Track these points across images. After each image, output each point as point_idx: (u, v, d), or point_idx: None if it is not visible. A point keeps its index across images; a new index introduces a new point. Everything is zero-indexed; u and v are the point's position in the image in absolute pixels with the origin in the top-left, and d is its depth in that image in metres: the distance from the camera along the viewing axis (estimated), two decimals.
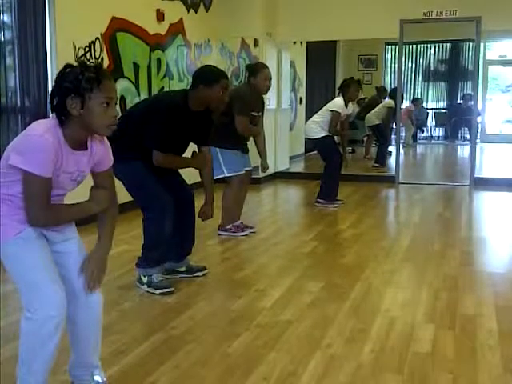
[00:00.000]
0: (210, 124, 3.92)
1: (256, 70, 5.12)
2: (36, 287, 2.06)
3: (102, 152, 2.20)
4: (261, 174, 8.12)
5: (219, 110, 3.90)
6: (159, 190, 3.67)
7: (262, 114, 5.39)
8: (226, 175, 5.12)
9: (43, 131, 1.99)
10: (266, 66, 5.24)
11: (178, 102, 3.72)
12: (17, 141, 2.05)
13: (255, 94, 5.15)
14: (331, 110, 6.57)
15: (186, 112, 3.71)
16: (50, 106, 2.10)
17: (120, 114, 6.16)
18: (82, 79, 1.99)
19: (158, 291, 3.68)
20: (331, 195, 6.75)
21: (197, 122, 3.77)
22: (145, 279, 3.73)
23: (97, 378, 2.36)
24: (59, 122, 2.03)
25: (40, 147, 1.97)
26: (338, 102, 6.63)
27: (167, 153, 3.65)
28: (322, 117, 6.66)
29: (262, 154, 5.50)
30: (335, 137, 6.90)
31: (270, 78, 5.20)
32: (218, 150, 5.00)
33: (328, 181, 6.78)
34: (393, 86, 11.20)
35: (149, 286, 3.71)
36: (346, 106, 6.70)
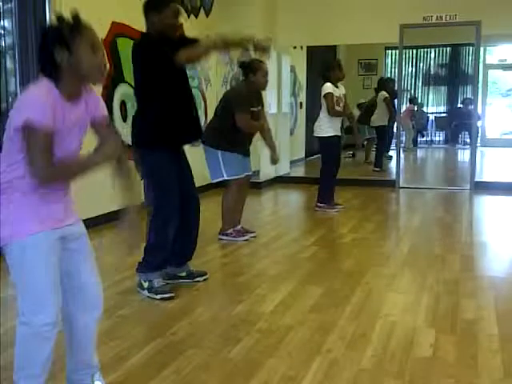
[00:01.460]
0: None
1: (255, 67, 5.13)
2: (35, 294, 2.06)
3: (93, 97, 2.18)
4: (261, 179, 8.15)
5: (176, 38, 3.76)
6: (172, 193, 3.68)
7: (262, 106, 5.39)
8: (226, 178, 5.13)
9: (38, 87, 2.00)
10: (262, 62, 5.23)
11: (144, 38, 3.71)
12: (15, 104, 2.04)
13: (254, 90, 5.17)
14: (323, 96, 6.55)
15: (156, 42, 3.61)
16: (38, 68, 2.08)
17: (120, 118, 6.19)
18: (62, 29, 2.00)
19: (158, 296, 3.67)
20: (328, 197, 6.74)
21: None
22: (145, 284, 3.73)
23: (97, 383, 2.35)
24: (50, 77, 2.02)
25: (38, 98, 1.96)
26: (326, 86, 6.53)
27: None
28: (322, 110, 6.63)
29: (271, 146, 5.48)
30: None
31: (267, 73, 5.24)
32: (219, 152, 5.03)
33: (323, 182, 6.77)
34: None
35: (149, 292, 3.71)
36: (337, 86, 6.63)
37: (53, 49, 2.00)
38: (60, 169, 2.04)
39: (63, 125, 2.02)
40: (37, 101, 1.96)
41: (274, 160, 5.53)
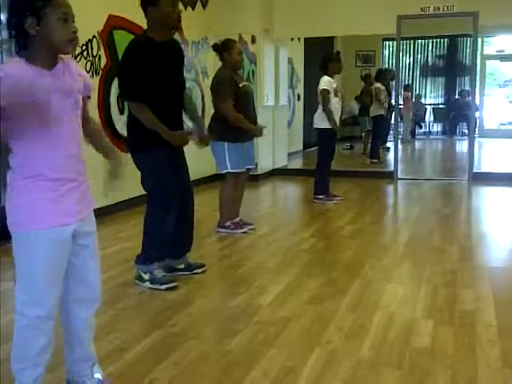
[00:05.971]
0: (183, 57, 3.86)
1: (229, 45, 5.09)
2: (31, 286, 2.07)
3: (75, 68, 2.15)
4: (259, 171, 8.15)
5: (178, 28, 3.76)
6: (170, 188, 3.69)
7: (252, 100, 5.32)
8: (230, 171, 5.14)
9: (9, 65, 2.00)
10: (236, 41, 5.26)
11: (140, 39, 3.68)
12: None
13: (233, 69, 5.10)
14: (321, 91, 6.55)
15: (154, 46, 3.59)
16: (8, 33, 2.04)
17: (117, 111, 6.16)
18: None
19: (163, 286, 3.68)
20: (324, 188, 6.75)
21: (171, 57, 3.70)
22: (146, 276, 3.73)
23: (97, 375, 2.35)
24: (20, 45, 2.00)
25: (7, 70, 1.92)
26: (323, 80, 6.55)
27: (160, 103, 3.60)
28: (320, 102, 6.65)
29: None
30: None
31: (242, 52, 5.22)
32: (226, 145, 5.04)
33: (320, 174, 6.79)
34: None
35: (152, 283, 3.71)
36: (333, 78, 6.66)
37: (23, 18, 1.96)
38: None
39: (51, 93, 1.98)
40: (7, 79, 1.89)
41: (259, 131, 5.34)
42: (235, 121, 5.01)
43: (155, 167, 3.67)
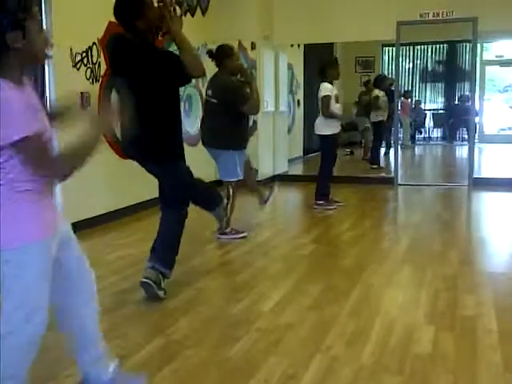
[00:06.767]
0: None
1: (229, 52, 5.15)
2: (34, 300, 2.02)
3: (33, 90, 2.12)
4: (260, 177, 8.14)
5: (159, 17, 3.55)
6: (191, 189, 3.83)
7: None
8: (241, 178, 5.23)
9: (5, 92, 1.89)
10: (232, 46, 5.31)
11: (150, 45, 3.58)
12: None
13: (234, 74, 5.17)
14: (322, 97, 6.56)
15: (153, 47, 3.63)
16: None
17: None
18: (16, 11, 1.89)
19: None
20: (325, 194, 6.76)
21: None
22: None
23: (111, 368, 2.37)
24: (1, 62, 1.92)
25: (11, 104, 1.85)
26: (325, 86, 6.55)
27: None
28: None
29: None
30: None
31: (239, 57, 5.37)
32: (236, 153, 5.08)
33: (322, 180, 6.79)
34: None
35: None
36: (332, 84, 6.69)
37: (7, 33, 1.88)
38: (67, 156, 1.97)
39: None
40: (15, 111, 1.84)
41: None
42: (258, 103, 5.16)
43: (183, 172, 3.75)
